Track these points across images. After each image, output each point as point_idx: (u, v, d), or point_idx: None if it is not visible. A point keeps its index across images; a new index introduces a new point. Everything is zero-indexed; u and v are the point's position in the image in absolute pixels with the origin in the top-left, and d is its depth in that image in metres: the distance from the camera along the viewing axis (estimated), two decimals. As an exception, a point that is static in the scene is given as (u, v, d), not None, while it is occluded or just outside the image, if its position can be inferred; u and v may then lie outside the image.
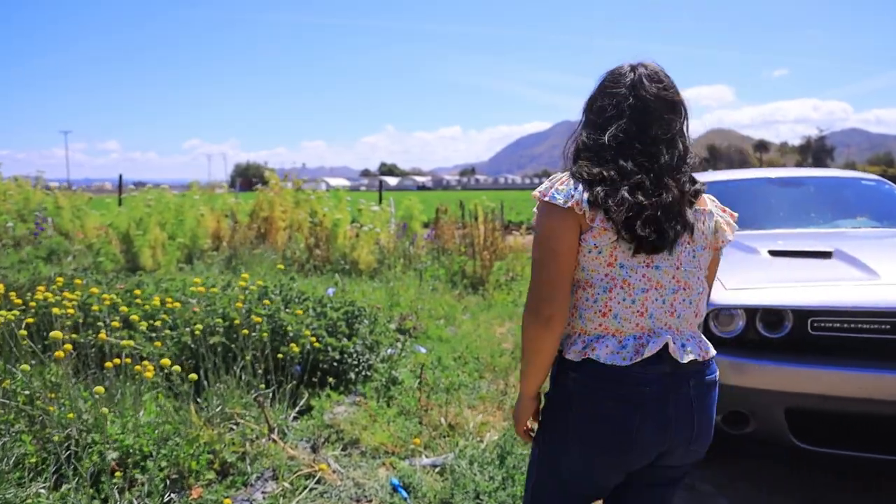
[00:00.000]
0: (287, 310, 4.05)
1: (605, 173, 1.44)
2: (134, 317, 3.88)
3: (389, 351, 4.48)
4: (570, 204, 1.42)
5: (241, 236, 11.06)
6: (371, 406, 3.71)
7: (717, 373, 1.56)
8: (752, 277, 2.93)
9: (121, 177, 14.74)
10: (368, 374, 4.03)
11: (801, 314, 2.68)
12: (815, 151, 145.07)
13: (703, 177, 4.82)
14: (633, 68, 1.53)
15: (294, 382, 3.54)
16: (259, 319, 3.67)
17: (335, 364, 3.83)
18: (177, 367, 3.02)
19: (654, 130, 1.48)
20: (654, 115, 1.49)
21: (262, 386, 3.37)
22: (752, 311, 2.75)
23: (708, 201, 1.59)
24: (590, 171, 1.45)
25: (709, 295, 1.62)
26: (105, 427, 2.82)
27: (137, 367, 3.23)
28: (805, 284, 2.78)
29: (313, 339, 3.72)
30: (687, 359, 1.45)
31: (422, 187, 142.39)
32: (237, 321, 3.68)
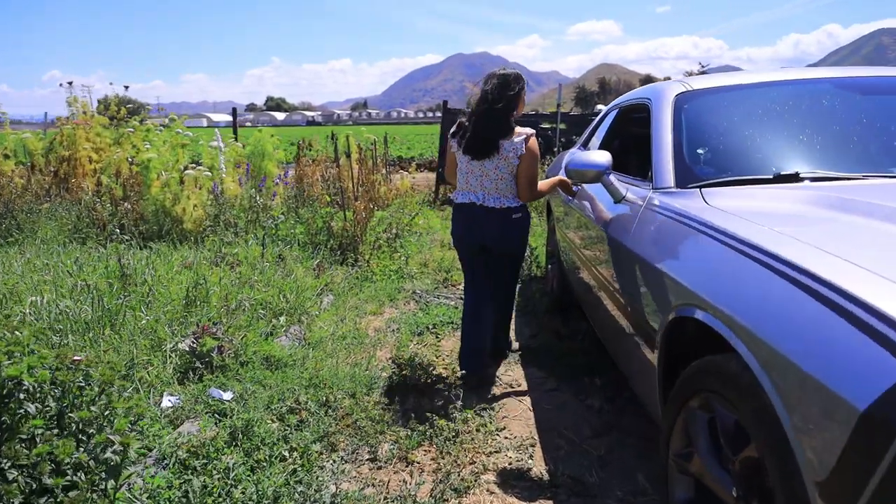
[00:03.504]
0: None
1: (463, 122, 3.31)
2: None
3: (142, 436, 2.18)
4: (450, 136, 3.42)
5: (38, 185, 8.18)
6: None
7: (518, 214, 3.27)
8: None
9: None
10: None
11: None
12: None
13: (729, 78, 2.75)
14: (488, 76, 3.28)
15: None
16: None
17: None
18: None
19: (486, 106, 3.18)
20: (488, 98, 3.18)
21: None
22: None
23: (517, 136, 3.17)
24: (461, 123, 3.33)
25: (525, 187, 3.22)
26: None
27: None
28: None
29: None
30: (489, 205, 3.23)
31: (311, 122, 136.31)
32: None
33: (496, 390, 3.35)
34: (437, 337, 4.15)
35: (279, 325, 3.90)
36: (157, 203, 6.41)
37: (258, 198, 6.56)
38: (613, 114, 3.71)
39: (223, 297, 3.86)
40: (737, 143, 2.28)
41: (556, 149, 9.67)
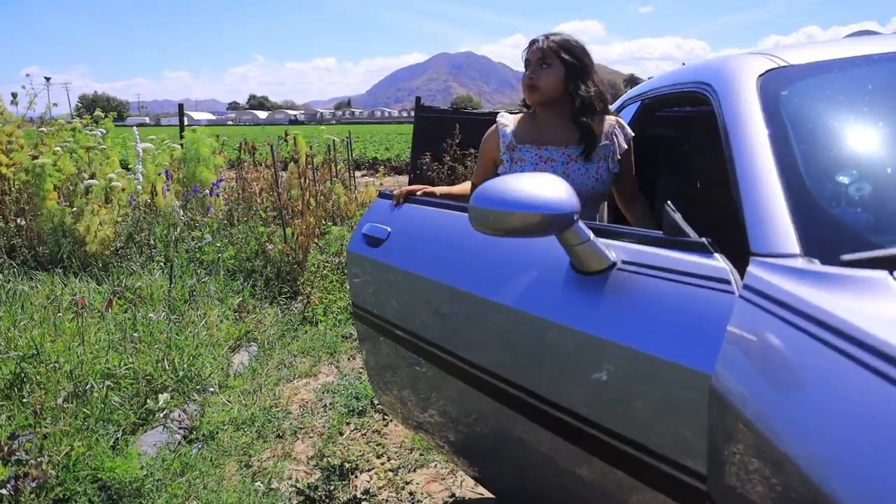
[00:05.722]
0: None
1: None
2: None
3: None
4: None
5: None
6: None
7: None
8: None
9: None
10: None
11: None
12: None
13: (849, 46, 1.57)
14: None
15: None
16: None
17: None
18: None
19: None
20: None
21: None
22: None
23: None
24: None
25: None
26: None
27: None
28: None
29: None
30: None
31: (294, 121, 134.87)
32: None
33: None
34: (384, 417, 3.01)
35: (155, 410, 2.74)
36: (54, 220, 5.21)
37: (181, 212, 5.37)
38: (632, 109, 2.58)
39: (68, 373, 2.68)
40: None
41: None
